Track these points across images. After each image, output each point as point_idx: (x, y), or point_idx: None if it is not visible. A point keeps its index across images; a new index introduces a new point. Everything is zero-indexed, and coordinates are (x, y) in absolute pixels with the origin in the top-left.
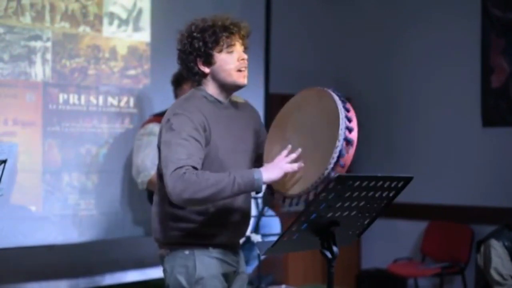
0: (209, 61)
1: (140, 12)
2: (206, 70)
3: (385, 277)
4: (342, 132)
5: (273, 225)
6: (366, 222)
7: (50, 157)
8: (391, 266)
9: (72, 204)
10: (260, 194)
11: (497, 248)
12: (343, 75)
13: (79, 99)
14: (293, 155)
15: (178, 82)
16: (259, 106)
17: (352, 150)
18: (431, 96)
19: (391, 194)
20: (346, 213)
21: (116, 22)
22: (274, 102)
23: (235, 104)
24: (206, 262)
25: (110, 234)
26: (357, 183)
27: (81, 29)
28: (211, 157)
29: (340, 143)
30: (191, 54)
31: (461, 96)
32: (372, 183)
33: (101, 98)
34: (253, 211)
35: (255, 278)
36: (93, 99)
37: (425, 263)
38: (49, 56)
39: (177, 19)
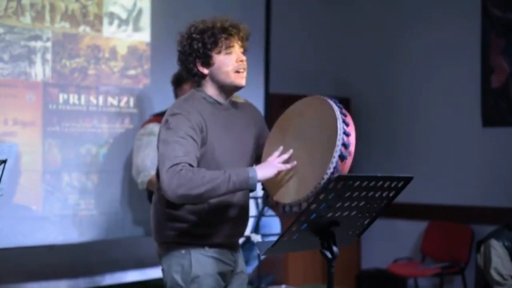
0: (208, 62)
1: (140, 12)
2: (205, 71)
3: (385, 277)
4: (338, 149)
5: (273, 225)
6: (366, 222)
7: (50, 157)
8: (391, 266)
9: (72, 204)
10: (260, 194)
11: (497, 248)
12: (343, 75)
13: (79, 99)
14: (285, 156)
15: (178, 82)
16: (259, 106)
17: (348, 163)
18: (431, 96)
19: (391, 194)
20: (346, 213)
21: (116, 22)
22: (274, 102)
23: (235, 105)
24: (202, 261)
25: (110, 234)
26: (357, 183)
27: (81, 29)
28: (207, 157)
29: (335, 160)
30: (191, 55)
31: (461, 96)
32: (372, 183)
33: (101, 98)
34: (253, 211)
35: (255, 278)
36: (93, 99)
37: (425, 263)
38: (49, 56)
39: (177, 19)
